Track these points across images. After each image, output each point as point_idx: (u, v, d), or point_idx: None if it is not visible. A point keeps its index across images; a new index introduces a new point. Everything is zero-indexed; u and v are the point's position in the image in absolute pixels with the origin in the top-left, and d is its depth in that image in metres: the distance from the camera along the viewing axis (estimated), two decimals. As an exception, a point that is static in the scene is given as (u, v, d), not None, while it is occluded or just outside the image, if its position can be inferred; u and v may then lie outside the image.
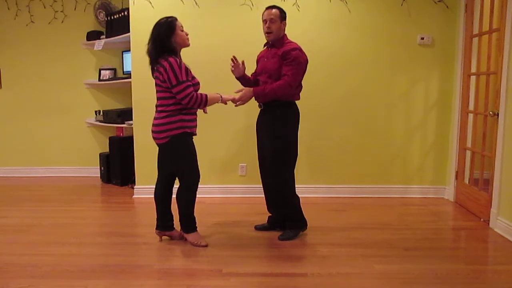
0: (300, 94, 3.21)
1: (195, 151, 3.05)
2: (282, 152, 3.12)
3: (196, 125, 3.07)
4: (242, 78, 3.27)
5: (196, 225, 3.14)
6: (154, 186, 3.19)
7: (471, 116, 3.97)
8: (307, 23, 4.16)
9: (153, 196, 4.22)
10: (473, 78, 3.94)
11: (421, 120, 4.28)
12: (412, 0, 4.11)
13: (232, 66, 3.22)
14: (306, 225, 3.33)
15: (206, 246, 3.09)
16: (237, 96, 3.09)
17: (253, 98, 3.11)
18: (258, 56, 3.32)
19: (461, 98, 4.07)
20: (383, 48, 4.19)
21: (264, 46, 3.27)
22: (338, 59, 4.18)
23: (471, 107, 3.96)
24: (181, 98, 2.86)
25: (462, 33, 4.01)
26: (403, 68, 4.22)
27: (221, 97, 3.05)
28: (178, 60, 2.85)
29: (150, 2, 4.13)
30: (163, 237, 3.22)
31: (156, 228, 3.20)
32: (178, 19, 2.99)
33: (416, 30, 4.16)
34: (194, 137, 3.09)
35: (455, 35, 4.14)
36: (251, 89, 3.09)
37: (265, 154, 3.20)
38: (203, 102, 2.92)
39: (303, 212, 3.30)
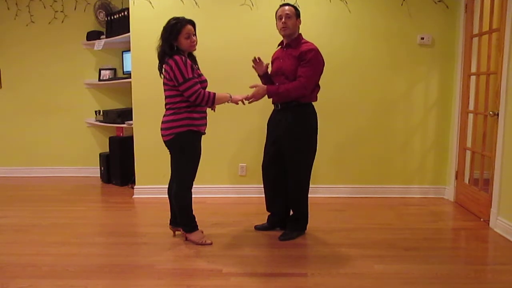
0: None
1: (199, 152, 3.04)
2: (305, 153, 3.14)
3: (205, 124, 3.06)
4: (264, 76, 3.25)
5: (197, 224, 3.15)
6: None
7: (471, 116, 3.97)
8: (307, 23, 4.12)
9: (153, 196, 4.25)
10: (473, 78, 3.94)
11: (421, 120, 4.28)
12: (412, 0, 4.12)
13: (254, 63, 3.21)
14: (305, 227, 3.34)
15: (211, 244, 3.10)
16: (249, 94, 3.07)
17: (266, 96, 3.09)
18: (272, 57, 3.30)
19: (461, 98, 4.07)
20: (383, 48, 4.19)
21: (278, 46, 3.25)
22: (337, 59, 4.18)
23: (471, 107, 3.96)
24: (188, 96, 2.86)
25: (462, 33, 4.01)
26: (403, 68, 4.22)
27: (231, 96, 3.04)
28: (183, 58, 2.85)
29: (150, 2, 4.14)
30: (176, 233, 3.26)
31: (170, 224, 3.25)
32: (192, 21, 2.94)
33: (416, 30, 4.16)
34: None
35: (455, 35, 4.14)
36: (265, 87, 3.07)
37: (280, 153, 3.17)
38: (211, 100, 2.92)
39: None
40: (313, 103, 3.22)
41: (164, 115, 2.99)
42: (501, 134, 3.37)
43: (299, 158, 3.13)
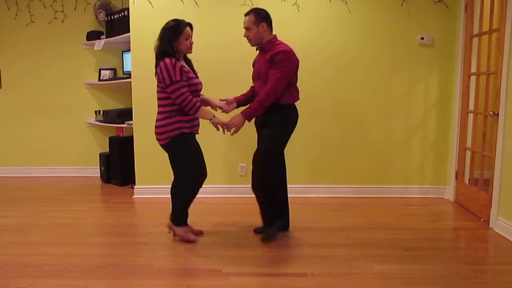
0: (300, 94, 3.19)
1: (197, 150, 3.06)
2: (274, 150, 3.09)
3: (198, 124, 3.08)
4: (241, 104, 3.24)
5: (187, 220, 3.18)
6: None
7: (471, 116, 3.97)
8: (307, 23, 4.16)
9: (153, 196, 4.25)
10: (473, 78, 3.93)
11: (421, 120, 4.28)
12: (412, 0, 4.12)
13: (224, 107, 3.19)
14: (287, 226, 3.32)
15: (195, 241, 3.12)
16: (229, 122, 3.02)
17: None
18: (253, 61, 3.28)
19: (461, 98, 4.07)
20: (383, 48, 4.19)
21: (257, 49, 3.23)
22: (338, 59, 4.18)
23: (471, 107, 3.96)
24: (174, 98, 2.90)
25: (462, 33, 4.01)
26: (403, 68, 4.22)
27: (214, 116, 3.03)
28: (173, 60, 2.88)
29: (150, 2, 4.14)
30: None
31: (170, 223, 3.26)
32: (191, 24, 3.01)
33: (416, 30, 4.16)
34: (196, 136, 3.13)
35: (455, 35, 4.14)
36: (240, 114, 3.03)
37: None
38: (195, 108, 2.93)
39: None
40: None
41: (157, 119, 3.02)
42: (501, 134, 3.37)
43: (270, 155, 3.06)
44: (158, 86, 2.99)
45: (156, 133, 3.01)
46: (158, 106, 3.02)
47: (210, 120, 3.02)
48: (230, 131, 3.05)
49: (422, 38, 4.15)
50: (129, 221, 3.70)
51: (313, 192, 4.34)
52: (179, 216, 3.15)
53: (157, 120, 3.01)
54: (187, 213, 3.17)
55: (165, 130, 2.96)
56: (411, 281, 2.57)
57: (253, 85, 3.31)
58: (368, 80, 4.23)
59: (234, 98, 3.26)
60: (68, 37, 5.14)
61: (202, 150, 3.09)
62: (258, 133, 3.28)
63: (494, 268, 2.79)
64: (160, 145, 3.04)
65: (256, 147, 3.21)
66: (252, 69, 3.28)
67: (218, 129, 3.08)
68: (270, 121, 3.07)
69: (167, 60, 2.87)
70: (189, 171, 3.04)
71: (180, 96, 2.88)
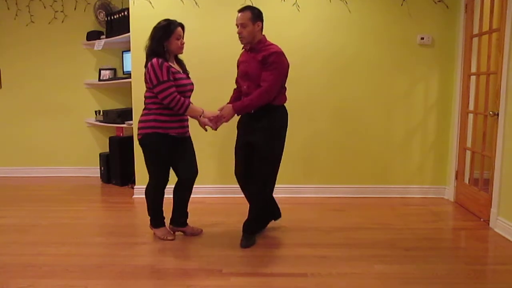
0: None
1: (165, 155, 3.02)
2: (273, 150, 3.05)
3: (178, 127, 3.03)
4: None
5: (164, 221, 3.23)
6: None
7: (471, 116, 3.97)
8: (307, 24, 4.16)
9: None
10: (473, 78, 3.94)
11: (421, 120, 4.28)
12: (412, 0, 4.12)
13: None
14: (279, 214, 3.37)
15: (173, 239, 3.18)
16: (219, 115, 3.02)
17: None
18: (238, 61, 3.21)
19: (461, 98, 4.07)
20: (383, 48, 4.19)
21: (243, 48, 3.17)
22: (338, 59, 4.18)
23: (471, 107, 3.96)
24: (162, 98, 2.90)
25: (462, 33, 4.01)
26: (403, 68, 4.21)
27: (203, 112, 3.01)
28: (160, 60, 2.87)
29: (150, 2, 4.14)
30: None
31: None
32: (183, 25, 3.03)
33: (416, 30, 4.16)
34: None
35: (455, 35, 4.14)
36: (231, 106, 3.01)
37: (251, 157, 3.09)
38: (184, 107, 2.92)
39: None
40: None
41: (141, 115, 3.08)
42: (501, 134, 3.37)
43: (266, 154, 3.04)
44: (146, 86, 3.01)
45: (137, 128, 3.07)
46: (144, 103, 3.07)
47: (200, 117, 3.03)
48: (218, 124, 3.07)
49: (422, 38, 4.15)
50: (129, 221, 3.71)
51: (312, 192, 4.34)
52: (155, 219, 3.20)
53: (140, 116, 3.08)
54: (161, 214, 3.21)
55: (141, 126, 3.01)
56: (411, 281, 2.57)
57: (235, 87, 3.27)
58: (368, 80, 4.23)
59: None
60: (68, 37, 5.14)
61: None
62: (238, 135, 3.19)
63: (494, 268, 2.79)
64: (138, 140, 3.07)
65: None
66: (237, 69, 3.21)
67: (206, 130, 3.12)
68: (263, 125, 3.01)
69: (154, 60, 2.87)
70: (152, 172, 3.07)
71: (168, 96, 2.87)
